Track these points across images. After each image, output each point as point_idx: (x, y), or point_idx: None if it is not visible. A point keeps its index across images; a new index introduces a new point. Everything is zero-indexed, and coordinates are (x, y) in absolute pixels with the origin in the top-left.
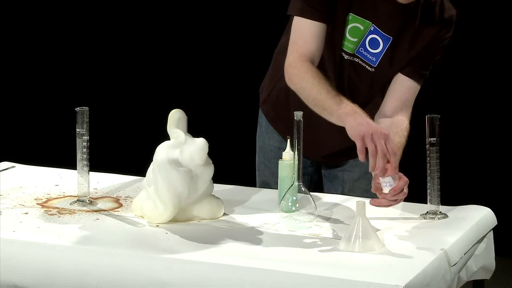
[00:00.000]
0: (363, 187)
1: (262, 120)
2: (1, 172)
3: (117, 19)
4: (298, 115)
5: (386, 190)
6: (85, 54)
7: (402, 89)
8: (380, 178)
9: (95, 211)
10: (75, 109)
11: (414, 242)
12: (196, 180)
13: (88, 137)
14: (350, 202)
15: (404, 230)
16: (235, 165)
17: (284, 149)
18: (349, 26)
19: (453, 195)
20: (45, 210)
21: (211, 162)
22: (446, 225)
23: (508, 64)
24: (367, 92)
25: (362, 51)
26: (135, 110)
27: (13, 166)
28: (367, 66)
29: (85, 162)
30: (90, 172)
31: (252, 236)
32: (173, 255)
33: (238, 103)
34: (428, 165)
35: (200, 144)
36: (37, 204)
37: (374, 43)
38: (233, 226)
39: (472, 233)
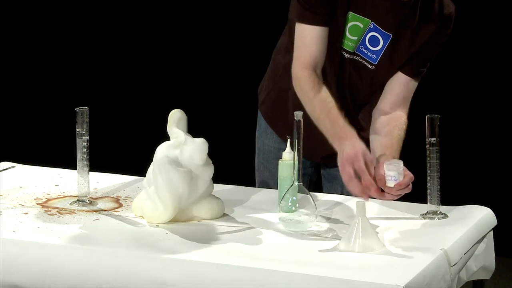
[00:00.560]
0: None
1: (261, 120)
2: (1, 172)
3: (117, 19)
4: (298, 115)
5: (391, 184)
6: (85, 54)
7: (400, 86)
8: (386, 171)
9: (95, 211)
10: (75, 109)
11: (414, 242)
12: (196, 180)
13: (88, 137)
14: (350, 202)
15: (404, 230)
16: (235, 165)
17: (283, 150)
18: (348, 25)
19: (453, 195)
20: (45, 210)
21: (211, 162)
22: (446, 225)
23: (508, 64)
24: (367, 90)
25: (362, 49)
26: (135, 110)
27: (13, 166)
28: (367, 64)
29: (85, 162)
30: (90, 172)
31: (252, 236)
32: (173, 255)
33: (238, 103)
34: (428, 165)
35: (200, 144)
36: (37, 204)
37: (374, 41)
38: (233, 226)
39: (472, 233)
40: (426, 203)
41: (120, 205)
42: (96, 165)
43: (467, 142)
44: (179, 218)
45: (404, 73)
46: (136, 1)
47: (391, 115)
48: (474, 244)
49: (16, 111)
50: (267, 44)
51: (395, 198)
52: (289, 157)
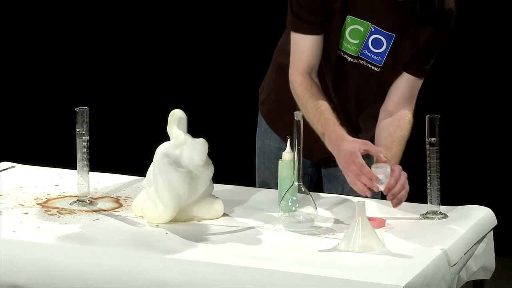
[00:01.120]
0: None
1: (261, 121)
2: (1, 172)
3: (117, 19)
4: (298, 115)
5: (381, 188)
6: (85, 54)
7: (405, 85)
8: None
9: (95, 211)
10: (75, 109)
11: (414, 242)
12: (196, 180)
13: (88, 137)
14: (350, 202)
15: (404, 230)
16: (235, 165)
17: (284, 150)
18: (348, 29)
19: (453, 195)
20: (45, 210)
21: (211, 162)
22: (446, 225)
23: (508, 64)
24: (375, 93)
25: (366, 52)
26: (135, 110)
27: (13, 166)
28: (372, 67)
29: (85, 162)
30: (90, 172)
31: (252, 236)
32: (173, 255)
33: (238, 103)
34: (428, 165)
35: (200, 144)
36: (37, 204)
37: (377, 43)
38: (233, 226)
39: (472, 233)
40: (426, 203)
41: (120, 205)
42: (96, 165)
43: (467, 142)
44: (179, 218)
45: (408, 73)
46: (136, 1)
47: (395, 116)
48: (474, 244)
49: (16, 111)
50: (268, 45)
51: (400, 201)
52: (289, 157)
